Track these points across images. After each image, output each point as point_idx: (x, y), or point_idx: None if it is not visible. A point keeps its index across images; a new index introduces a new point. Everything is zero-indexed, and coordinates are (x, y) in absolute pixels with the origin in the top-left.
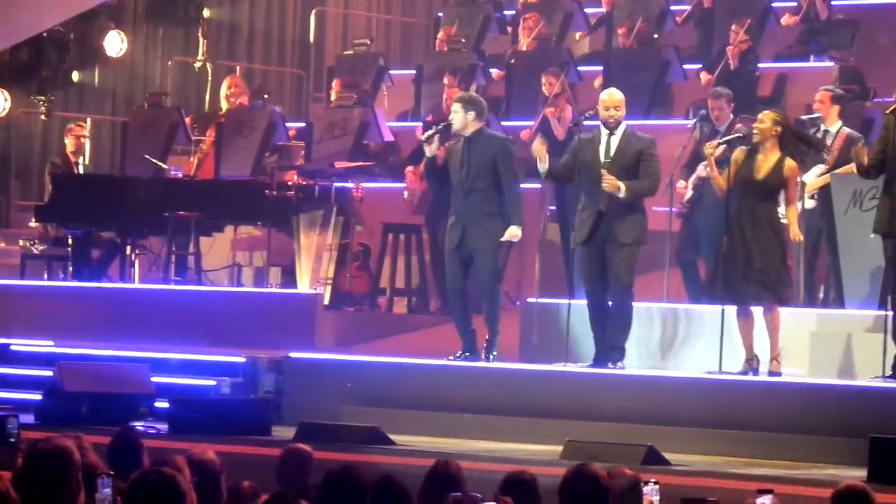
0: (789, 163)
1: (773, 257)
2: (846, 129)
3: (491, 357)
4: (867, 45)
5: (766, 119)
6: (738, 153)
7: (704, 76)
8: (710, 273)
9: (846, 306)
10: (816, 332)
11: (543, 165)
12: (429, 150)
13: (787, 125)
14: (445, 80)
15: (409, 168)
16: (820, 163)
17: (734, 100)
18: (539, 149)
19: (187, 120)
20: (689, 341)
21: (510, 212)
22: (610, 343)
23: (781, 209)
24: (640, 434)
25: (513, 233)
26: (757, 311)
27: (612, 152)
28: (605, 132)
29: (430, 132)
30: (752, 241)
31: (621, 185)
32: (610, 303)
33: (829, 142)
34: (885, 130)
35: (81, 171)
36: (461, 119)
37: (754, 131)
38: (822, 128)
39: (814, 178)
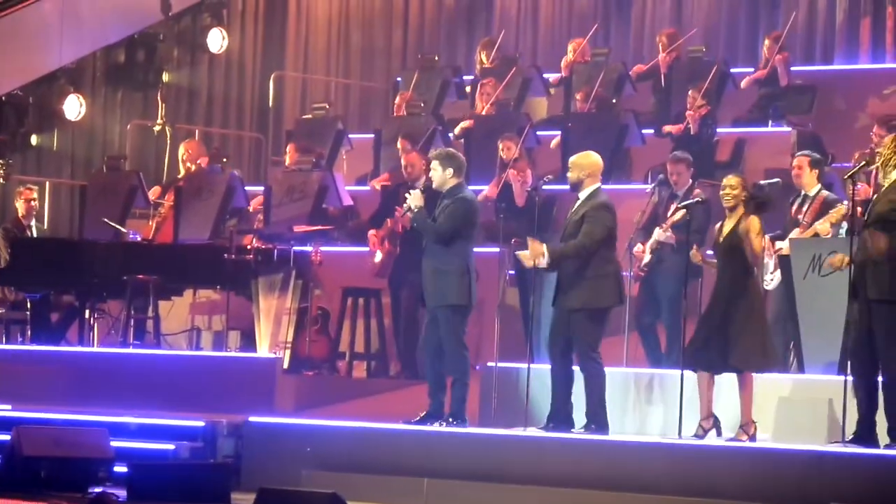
0: (748, 219)
1: (750, 327)
2: (824, 192)
3: (449, 420)
4: (825, 110)
5: (736, 185)
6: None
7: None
8: (672, 337)
9: (806, 371)
10: (777, 397)
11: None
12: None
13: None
14: (399, 145)
15: (372, 231)
16: (795, 227)
17: (692, 165)
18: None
19: (155, 189)
20: (648, 406)
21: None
22: (585, 409)
23: (766, 277)
24: (599, 500)
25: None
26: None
27: (570, 215)
28: None
29: (406, 207)
30: (729, 309)
31: (544, 252)
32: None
33: (805, 206)
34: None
35: (35, 234)
36: (440, 176)
37: (727, 197)
38: (802, 192)
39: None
